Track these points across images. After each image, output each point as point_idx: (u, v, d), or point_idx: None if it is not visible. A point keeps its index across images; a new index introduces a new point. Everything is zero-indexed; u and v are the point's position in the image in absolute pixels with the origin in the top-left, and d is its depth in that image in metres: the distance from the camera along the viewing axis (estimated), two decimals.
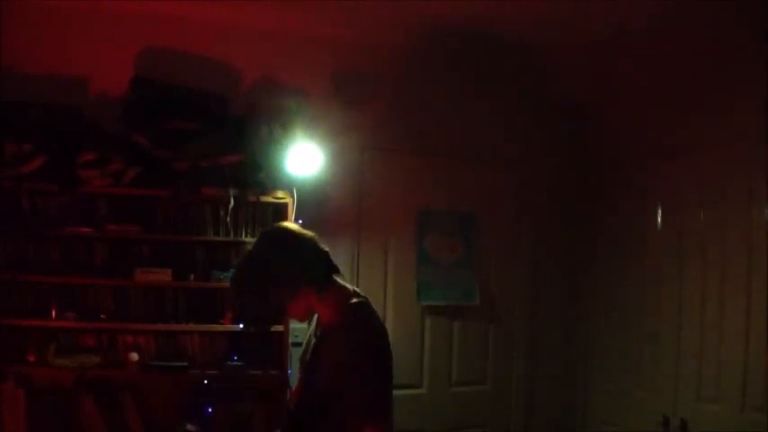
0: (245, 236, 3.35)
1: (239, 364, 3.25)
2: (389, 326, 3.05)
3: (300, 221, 3.20)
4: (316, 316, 2.17)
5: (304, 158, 3.31)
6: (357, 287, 2.14)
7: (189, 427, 3.12)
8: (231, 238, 3.33)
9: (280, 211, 3.38)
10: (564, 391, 4.06)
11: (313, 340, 2.13)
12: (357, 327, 2.00)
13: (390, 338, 2.05)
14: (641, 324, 3.61)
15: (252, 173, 3.28)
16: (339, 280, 2.10)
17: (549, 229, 4.10)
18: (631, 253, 3.73)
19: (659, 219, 3.57)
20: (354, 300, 2.06)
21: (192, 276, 3.27)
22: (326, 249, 2.10)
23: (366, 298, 2.09)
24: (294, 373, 3.27)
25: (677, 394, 3.32)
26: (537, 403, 4.05)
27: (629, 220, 3.76)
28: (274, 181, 3.32)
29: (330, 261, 2.10)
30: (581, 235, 4.10)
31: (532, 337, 4.06)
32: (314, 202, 3.38)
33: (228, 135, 3.23)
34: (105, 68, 3.28)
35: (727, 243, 3.14)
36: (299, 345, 3.33)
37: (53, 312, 3.11)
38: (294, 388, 2.18)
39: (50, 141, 3.02)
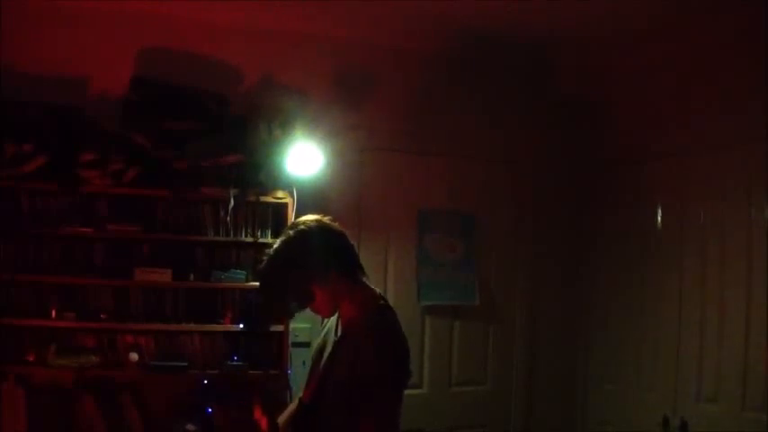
0: (245, 236, 3.35)
1: (239, 364, 3.25)
2: None
3: None
4: (335, 316, 2.18)
5: (304, 158, 3.30)
6: None
7: (189, 427, 3.12)
8: (231, 238, 3.33)
9: (280, 211, 3.38)
10: (564, 391, 4.06)
11: (332, 338, 2.15)
12: (380, 328, 2.02)
13: None
14: (641, 324, 3.61)
15: (252, 173, 3.28)
16: (366, 282, 2.14)
17: (549, 229, 4.10)
18: (631, 253, 3.73)
19: (659, 219, 3.57)
20: (381, 302, 2.10)
21: (191, 276, 3.27)
22: (354, 245, 2.15)
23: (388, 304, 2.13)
24: (295, 373, 3.28)
25: (677, 394, 3.32)
26: (537, 403, 4.05)
27: (629, 219, 3.76)
28: (274, 181, 3.32)
29: (358, 258, 2.15)
30: (581, 235, 4.10)
31: (532, 337, 4.06)
32: (314, 202, 3.37)
33: (228, 135, 3.23)
34: (105, 68, 3.28)
35: (727, 243, 3.14)
36: (300, 345, 3.36)
37: (53, 312, 3.11)
38: (309, 383, 2.19)
39: (50, 141, 3.01)
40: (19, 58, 3.14)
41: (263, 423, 2.11)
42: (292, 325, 3.29)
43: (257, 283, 2.23)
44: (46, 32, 3.23)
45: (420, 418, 3.67)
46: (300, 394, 2.24)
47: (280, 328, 3.28)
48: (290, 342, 3.32)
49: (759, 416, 2.89)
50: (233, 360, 3.27)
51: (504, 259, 4.05)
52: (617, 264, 3.84)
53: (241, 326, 3.28)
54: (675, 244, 3.42)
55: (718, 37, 3.17)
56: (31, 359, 3.07)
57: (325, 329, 2.24)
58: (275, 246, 2.11)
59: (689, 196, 3.37)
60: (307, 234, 2.08)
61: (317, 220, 2.14)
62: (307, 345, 3.31)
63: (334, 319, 2.20)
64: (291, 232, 2.10)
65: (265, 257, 2.12)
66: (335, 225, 2.15)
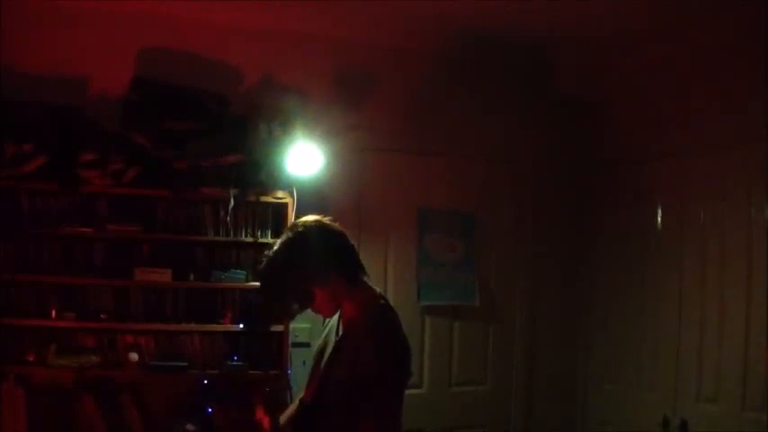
0: (245, 236, 3.35)
1: (239, 364, 3.25)
2: None
3: None
4: (336, 315, 2.19)
5: (304, 158, 3.31)
6: None
7: (189, 427, 3.12)
8: (231, 238, 3.33)
9: (280, 211, 3.38)
10: (564, 391, 4.06)
11: (333, 338, 2.15)
12: (380, 328, 2.03)
13: None
14: (641, 324, 3.61)
15: (252, 173, 3.28)
16: (367, 281, 2.15)
17: (549, 229, 4.10)
18: (631, 253, 3.73)
19: (659, 219, 3.57)
20: (382, 302, 2.10)
21: (191, 276, 3.27)
22: (354, 245, 2.15)
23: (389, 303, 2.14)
24: (295, 373, 3.28)
25: (677, 394, 3.32)
26: (537, 403, 4.05)
27: (629, 220, 3.76)
28: (274, 181, 3.32)
29: (358, 258, 2.15)
30: (581, 235, 4.10)
31: (532, 337, 4.06)
32: (314, 202, 3.37)
33: (228, 135, 3.23)
34: (105, 68, 3.28)
35: (727, 243, 3.14)
36: (300, 345, 3.36)
37: (53, 312, 3.11)
38: (309, 383, 2.19)
39: (50, 141, 3.01)
40: (19, 58, 3.14)
41: (265, 423, 2.11)
42: (292, 325, 3.29)
43: (257, 284, 2.23)
44: (46, 32, 3.23)
45: (420, 418, 3.67)
46: (301, 394, 2.24)
47: (280, 328, 3.28)
48: (290, 342, 3.32)
49: (759, 416, 2.89)
50: (233, 360, 3.26)
51: (504, 259, 4.05)
52: (617, 264, 3.84)
53: (241, 326, 3.28)
54: (675, 244, 3.42)
55: (718, 37, 3.16)
56: (31, 359, 3.07)
57: (326, 330, 2.24)
58: (275, 247, 2.11)
59: (689, 196, 3.37)
60: (306, 235, 2.08)
61: (316, 221, 2.14)
62: (307, 345, 3.31)
63: (335, 319, 2.20)
64: (291, 233, 2.11)
65: (265, 258, 2.12)
66: (335, 225, 2.15)
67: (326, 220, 2.16)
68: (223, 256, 3.37)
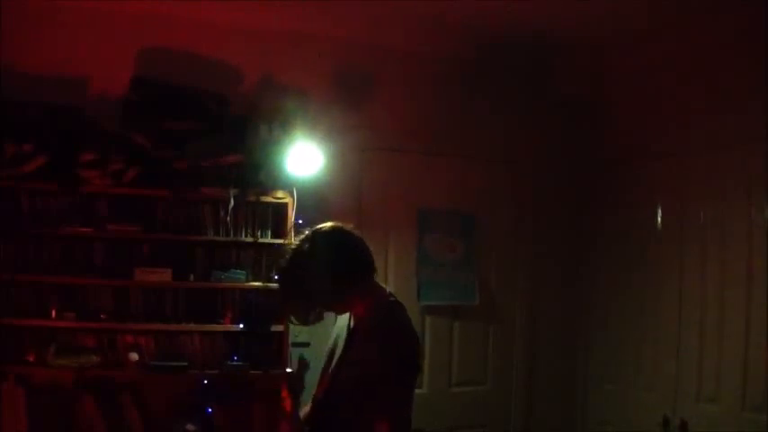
0: (245, 236, 3.35)
1: (239, 364, 3.25)
2: None
3: (300, 221, 3.22)
4: (346, 316, 2.21)
5: (304, 158, 3.31)
6: None
7: (189, 427, 3.12)
8: (231, 238, 3.33)
9: (280, 211, 3.39)
10: (564, 391, 4.06)
11: (344, 334, 2.16)
12: (385, 326, 2.05)
13: None
14: (641, 324, 3.61)
15: (252, 173, 3.28)
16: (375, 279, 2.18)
17: (549, 229, 4.10)
18: (631, 253, 3.73)
19: (659, 219, 3.57)
20: (391, 299, 2.14)
21: (191, 276, 3.27)
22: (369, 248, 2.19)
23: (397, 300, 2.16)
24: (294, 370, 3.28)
25: (677, 394, 3.32)
26: (537, 403, 4.05)
27: (629, 220, 3.76)
28: (274, 181, 3.32)
29: (373, 260, 2.18)
30: (581, 235, 4.10)
31: (532, 337, 4.06)
32: (314, 202, 3.38)
33: (228, 135, 3.23)
34: (105, 68, 3.28)
35: (727, 243, 3.14)
36: (300, 345, 3.36)
37: (53, 312, 3.11)
38: (321, 381, 2.20)
39: (50, 141, 3.02)
40: (19, 58, 3.14)
41: (287, 404, 2.14)
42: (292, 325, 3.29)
43: (278, 286, 2.26)
44: (46, 32, 3.23)
45: (420, 418, 3.61)
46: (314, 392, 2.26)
47: (280, 328, 3.28)
48: (290, 342, 3.32)
49: (759, 416, 2.89)
50: (233, 360, 3.26)
51: (504, 259, 4.05)
52: (617, 264, 3.84)
53: (241, 326, 3.28)
54: (675, 244, 3.42)
55: (718, 37, 3.17)
56: (31, 359, 3.07)
57: (336, 329, 2.26)
58: (293, 250, 2.14)
59: (689, 196, 3.37)
60: (323, 239, 2.11)
61: (333, 226, 2.17)
62: (307, 345, 3.31)
63: (345, 317, 2.22)
64: (308, 238, 2.13)
65: (284, 262, 2.15)
66: (357, 234, 2.19)
67: (347, 228, 2.20)
68: (223, 256, 3.37)
